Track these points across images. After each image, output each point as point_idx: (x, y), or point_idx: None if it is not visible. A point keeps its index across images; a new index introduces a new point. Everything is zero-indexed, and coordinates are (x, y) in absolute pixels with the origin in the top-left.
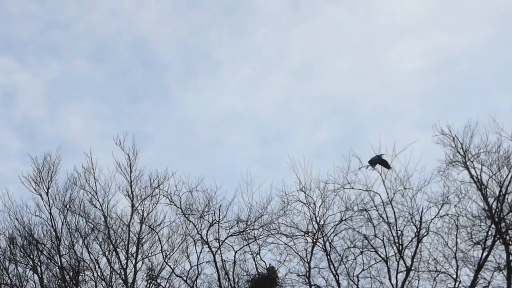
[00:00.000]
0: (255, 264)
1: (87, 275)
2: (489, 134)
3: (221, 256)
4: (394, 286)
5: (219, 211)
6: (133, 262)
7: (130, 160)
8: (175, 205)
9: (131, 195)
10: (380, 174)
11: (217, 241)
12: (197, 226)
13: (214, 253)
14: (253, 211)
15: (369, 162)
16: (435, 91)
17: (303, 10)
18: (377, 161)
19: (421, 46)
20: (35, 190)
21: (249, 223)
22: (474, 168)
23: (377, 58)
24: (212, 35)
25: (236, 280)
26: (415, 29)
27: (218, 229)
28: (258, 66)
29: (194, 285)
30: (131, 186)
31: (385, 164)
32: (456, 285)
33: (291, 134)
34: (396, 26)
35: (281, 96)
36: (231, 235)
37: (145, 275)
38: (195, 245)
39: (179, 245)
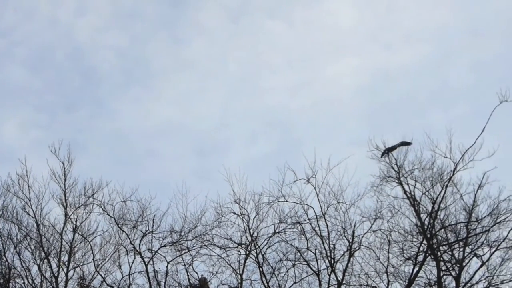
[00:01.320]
0: (188, 275)
1: (18, 283)
2: (423, 151)
3: (153, 267)
4: None
5: (153, 222)
6: (65, 270)
7: (64, 169)
8: (108, 214)
9: (64, 204)
10: (314, 188)
11: (150, 251)
12: (130, 236)
13: (146, 263)
14: (187, 222)
15: (388, 149)
16: (372, 107)
17: (243, 25)
18: (396, 146)
19: (359, 63)
20: None
21: (182, 234)
22: (407, 184)
23: (315, 74)
24: (151, 46)
25: None
26: (354, 46)
27: (151, 240)
28: (196, 78)
29: None
30: (65, 195)
31: (405, 144)
32: None
33: (227, 147)
34: (335, 43)
35: (218, 109)
36: (164, 246)
37: (76, 284)
38: (128, 255)
39: (111, 255)
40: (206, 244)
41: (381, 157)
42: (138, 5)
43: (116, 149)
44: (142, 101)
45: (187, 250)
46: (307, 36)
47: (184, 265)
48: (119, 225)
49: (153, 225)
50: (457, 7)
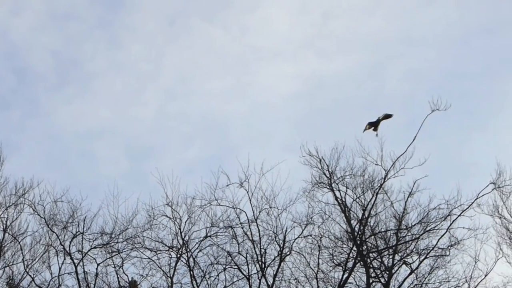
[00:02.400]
0: (118, 278)
1: None
2: (355, 157)
3: (83, 268)
4: None
5: (84, 223)
6: None
7: None
8: (38, 214)
9: None
10: (247, 192)
11: (80, 253)
12: (60, 237)
13: (76, 264)
14: (118, 224)
15: (371, 124)
16: (305, 113)
17: (178, 28)
18: (380, 120)
19: (294, 70)
20: None
21: (113, 236)
22: (339, 190)
23: (250, 79)
24: (87, 47)
25: None
26: (289, 53)
27: (82, 241)
28: (131, 80)
29: None
30: None
31: (387, 116)
32: None
33: (162, 150)
34: (270, 48)
35: (153, 112)
36: (95, 248)
37: (5, 284)
38: (57, 256)
39: (41, 255)
40: (137, 246)
41: (363, 132)
42: (74, 6)
43: (50, 150)
44: (77, 102)
45: (117, 252)
46: (243, 41)
47: (114, 267)
48: (50, 226)
49: (83, 227)
50: (391, 16)
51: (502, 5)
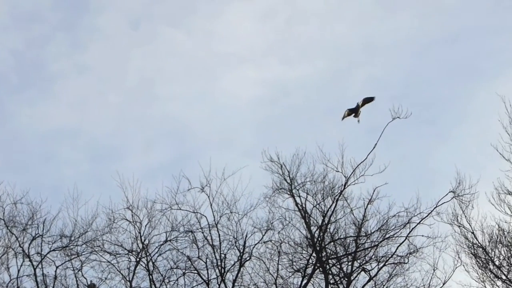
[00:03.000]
0: (76, 281)
1: None
2: (316, 164)
3: (42, 271)
4: None
5: (43, 225)
6: None
7: None
8: None
9: None
10: (208, 197)
11: (39, 255)
12: (19, 239)
13: (35, 267)
14: (77, 227)
15: (351, 110)
16: (268, 120)
17: (143, 31)
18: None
19: (257, 76)
20: None
21: (72, 238)
22: (299, 196)
23: (213, 84)
24: (49, 49)
25: None
26: (253, 59)
27: (41, 243)
28: (94, 83)
29: None
30: None
31: (368, 100)
32: None
33: (123, 153)
34: (234, 54)
35: (116, 115)
36: (54, 250)
37: None
38: (16, 258)
39: (0, 257)
40: (96, 249)
41: (342, 120)
42: (37, 7)
43: (10, 152)
44: (39, 104)
45: (76, 255)
46: (206, 45)
47: (73, 270)
48: (9, 228)
49: (43, 229)
50: (354, 23)
51: (463, 15)
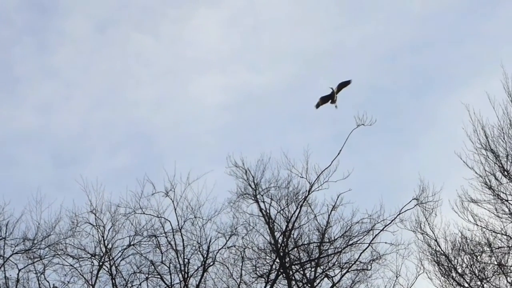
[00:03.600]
0: (39, 284)
1: None
2: (280, 169)
3: (4, 274)
4: None
5: (6, 228)
6: None
7: None
8: None
9: None
10: (172, 201)
11: (1, 258)
12: None
13: None
14: (40, 230)
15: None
16: (234, 125)
17: (109, 35)
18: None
19: (224, 81)
20: None
21: (35, 242)
22: (263, 201)
23: (180, 89)
24: (15, 51)
25: None
26: (219, 65)
27: (4, 246)
28: (59, 86)
29: None
30: None
31: (344, 84)
32: None
33: (88, 157)
34: (201, 60)
35: (81, 119)
36: (16, 253)
37: None
38: None
39: None
40: (59, 253)
41: (316, 108)
42: (3, 9)
43: None
44: (4, 107)
45: (39, 259)
46: (173, 51)
47: (36, 273)
48: None
49: (5, 232)
50: (320, 31)
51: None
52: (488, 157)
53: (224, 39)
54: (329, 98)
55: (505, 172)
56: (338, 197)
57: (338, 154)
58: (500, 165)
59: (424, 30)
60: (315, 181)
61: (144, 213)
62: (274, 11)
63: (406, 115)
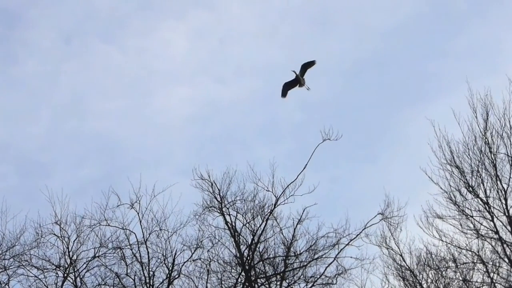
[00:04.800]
0: None
1: None
2: (246, 183)
3: None
4: None
5: None
6: None
7: None
8: None
9: None
10: (138, 213)
11: None
12: None
13: None
14: (5, 240)
15: (289, 84)
16: (201, 138)
17: (75, 46)
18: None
19: (191, 94)
20: None
21: (0, 252)
22: (229, 214)
23: (146, 101)
24: None
25: None
26: (186, 77)
27: None
28: (25, 97)
29: None
30: None
31: (308, 65)
32: None
33: (53, 168)
34: (167, 72)
35: (46, 129)
36: None
37: None
38: None
39: None
40: (24, 264)
41: (284, 97)
42: None
43: None
44: None
45: (3, 269)
46: (139, 62)
47: (0, 284)
48: None
49: None
50: (286, 45)
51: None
52: (453, 173)
53: (191, 52)
54: (295, 82)
55: (470, 188)
56: (303, 211)
57: (304, 168)
58: (465, 181)
59: (390, 46)
60: (281, 194)
61: (109, 225)
62: (240, 25)
63: (372, 130)
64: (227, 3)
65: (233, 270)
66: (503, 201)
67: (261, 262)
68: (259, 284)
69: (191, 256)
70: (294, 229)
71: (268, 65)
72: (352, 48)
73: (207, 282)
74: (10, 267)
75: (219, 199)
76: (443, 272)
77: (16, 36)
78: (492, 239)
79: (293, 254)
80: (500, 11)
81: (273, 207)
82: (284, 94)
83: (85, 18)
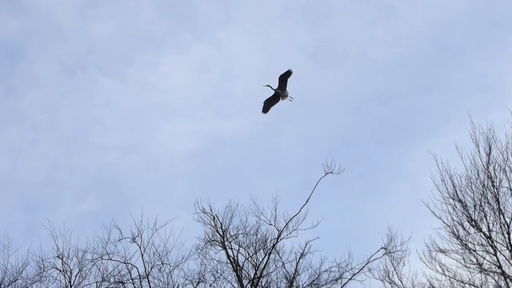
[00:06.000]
0: None
1: None
2: (248, 216)
3: None
4: None
5: None
6: None
7: None
8: None
9: None
10: (140, 247)
11: None
12: None
13: None
14: (7, 274)
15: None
16: (201, 172)
17: (77, 80)
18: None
19: (192, 128)
20: None
21: (2, 286)
22: (231, 248)
23: (148, 135)
24: None
25: None
26: (187, 111)
27: None
28: (26, 130)
29: None
30: None
31: (285, 76)
32: None
33: (55, 202)
34: (169, 105)
35: (48, 163)
36: None
37: None
38: None
39: None
40: None
41: (266, 112)
42: None
43: None
44: None
45: None
46: (141, 96)
47: None
48: None
49: None
50: (288, 80)
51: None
52: (456, 207)
53: (193, 85)
54: (276, 97)
55: (473, 222)
56: (306, 245)
57: (307, 202)
58: (468, 215)
59: (391, 80)
60: (283, 228)
61: (111, 259)
62: (242, 58)
63: (374, 164)
64: (229, 38)
65: None
66: (506, 235)
67: None
68: None
69: None
70: (297, 263)
71: None
72: (354, 82)
73: None
74: None
75: (221, 233)
76: None
77: (18, 69)
78: (495, 273)
79: None
80: (499, 44)
81: (275, 241)
82: (265, 109)
83: (88, 52)
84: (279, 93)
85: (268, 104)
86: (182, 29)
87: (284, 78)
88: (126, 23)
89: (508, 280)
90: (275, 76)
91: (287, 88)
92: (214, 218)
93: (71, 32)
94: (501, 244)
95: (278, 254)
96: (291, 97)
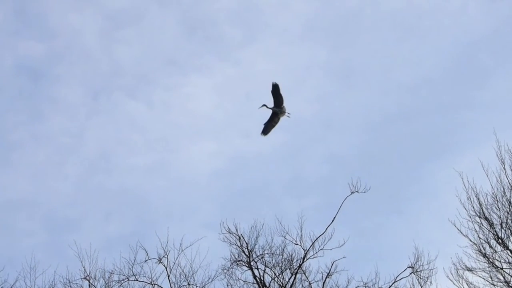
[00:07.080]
0: None
1: None
2: (274, 236)
3: None
4: None
5: None
6: None
7: None
8: None
9: None
10: (166, 268)
11: None
12: None
13: None
14: None
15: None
16: (227, 192)
17: (102, 102)
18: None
19: (216, 148)
20: None
21: None
22: (257, 268)
23: (172, 156)
24: (8, 118)
25: None
26: (211, 131)
27: None
28: (53, 153)
29: None
30: None
31: (274, 90)
32: None
33: (81, 223)
34: (193, 126)
35: (74, 185)
36: None
37: None
38: None
39: None
40: None
41: (265, 134)
42: None
43: None
44: None
45: None
46: (165, 117)
47: None
48: None
49: None
50: (312, 99)
51: (421, 92)
52: (482, 225)
53: (216, 106)
54: (275, 116)
55: (500, 240)
56: (332, 264)
57: (332, 221)
58: (494, 233)
59: (416, 98)
60: (309, 248)
61: (137, 280)
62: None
63: (400, 182)
64: (252, 58)
65: None
66: None
67: None
68: None
69: None
70: (323, 283)
71: (294, 119)
72: (378, 101)
73: None
74: None
75: (247, 253)
76: None
77: (43, 92)
78: None
79: None
80: None
81: (302, 261)
82: (264, 131)
83: (112, 75)
84: (277, 111)
85: (268, 126)
86: (206, 50)
87: (275, 93)
88: (150, 44)
89: None
90: (300, 97)
91: (284, 104)
92: (240, 238)
93: (96, 54)
94: None
95: (305, 274)
96: (289, 113)
